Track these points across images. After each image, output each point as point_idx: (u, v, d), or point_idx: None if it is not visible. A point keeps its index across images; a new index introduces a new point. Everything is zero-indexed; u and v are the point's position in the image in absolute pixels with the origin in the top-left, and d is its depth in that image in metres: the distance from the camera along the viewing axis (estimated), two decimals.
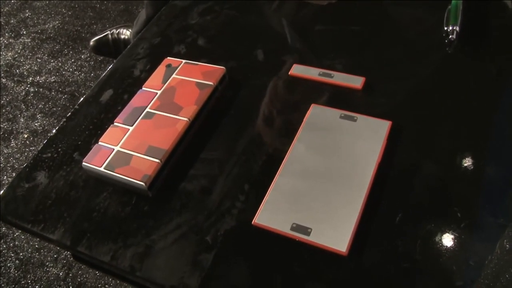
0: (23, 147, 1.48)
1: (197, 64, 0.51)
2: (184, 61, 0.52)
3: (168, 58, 0.53)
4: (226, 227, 0.38)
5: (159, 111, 0.47)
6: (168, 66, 0.52)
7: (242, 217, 0.39)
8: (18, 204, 0.43)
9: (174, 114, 0.46)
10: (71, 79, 1.69)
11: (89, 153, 0.44)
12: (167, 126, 0.45)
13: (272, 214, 0.38)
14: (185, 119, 0.45)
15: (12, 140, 1.51)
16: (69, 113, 0.50)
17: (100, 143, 0.45)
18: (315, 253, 0.35)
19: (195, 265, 0.36)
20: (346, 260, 0.35)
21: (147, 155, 0.42)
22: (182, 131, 0.45)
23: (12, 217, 0.42)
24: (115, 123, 0.47)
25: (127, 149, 0.44)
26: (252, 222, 0.38)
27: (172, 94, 0.48)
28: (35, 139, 1.48)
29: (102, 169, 0.43)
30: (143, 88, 0.50)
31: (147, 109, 0.47)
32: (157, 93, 0.49)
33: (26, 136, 1.53)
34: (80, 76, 1.71)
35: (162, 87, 0.50)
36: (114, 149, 0.44)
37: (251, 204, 0.39)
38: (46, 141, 0.49)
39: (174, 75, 0.51)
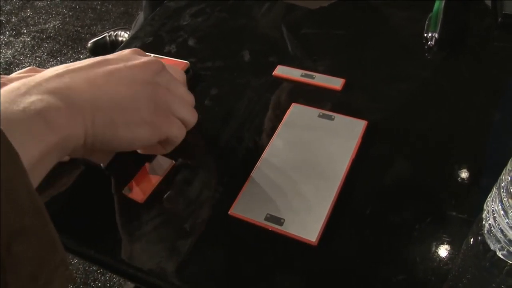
0: None
1: (163, 57, 0.54)
2: (152, 55, 0.54)
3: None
4: (204, 216, 0.40)
5: None
6: None
7: (219, 207, 0.40)
8: None
9: None
10: None
11: None
12: None
13: (248, 205, 0.39)
14: None
15: None
16: None
17: None
18: (287, 243, 0.37)
19: (172, 251, 0.38)
20: (316, 250, 0.37)
21: None
22: None
23: None
24: None
25: None
26: (229, 212, 0.39)
27: None
28: None
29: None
30: None
31: None
32: None
33: None
34: None
35: None
36: None
37: (228, 195, 0.41)
38: None
39: None
